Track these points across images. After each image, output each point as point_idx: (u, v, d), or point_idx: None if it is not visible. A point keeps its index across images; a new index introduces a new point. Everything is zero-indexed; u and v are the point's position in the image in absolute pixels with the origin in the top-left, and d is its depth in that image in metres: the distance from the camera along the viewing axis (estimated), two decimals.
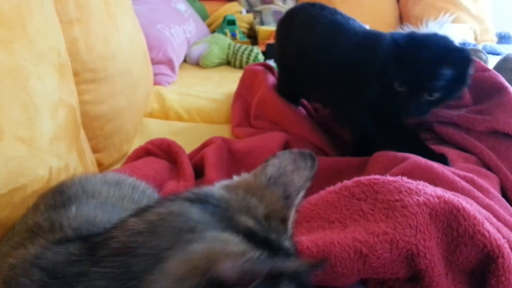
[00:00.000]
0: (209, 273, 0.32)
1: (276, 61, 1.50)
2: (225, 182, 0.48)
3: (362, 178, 0.66)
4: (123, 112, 1.20)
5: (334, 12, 1.17)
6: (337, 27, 1.11)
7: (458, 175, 0.80)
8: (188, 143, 1.14)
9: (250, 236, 0.38)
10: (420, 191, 0.61)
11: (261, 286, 0.31)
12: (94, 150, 1.08)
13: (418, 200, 0.59)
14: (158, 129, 1.38)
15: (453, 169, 0.83)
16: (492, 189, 0.80)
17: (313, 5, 1.21)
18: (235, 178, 0.49)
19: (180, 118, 1.50)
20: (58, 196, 0.55)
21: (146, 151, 1.05)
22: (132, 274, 0.35)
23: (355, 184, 0.65)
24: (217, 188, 0.46)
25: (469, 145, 0.97)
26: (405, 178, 0.64)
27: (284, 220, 0.44)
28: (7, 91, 0.57)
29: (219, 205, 0.42)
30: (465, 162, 0.92)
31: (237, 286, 0.31)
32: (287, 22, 1.30)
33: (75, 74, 0.97)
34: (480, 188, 0.79)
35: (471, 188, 0.77)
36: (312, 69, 1.15)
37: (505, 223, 0.69)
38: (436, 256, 0.56)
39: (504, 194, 0.89)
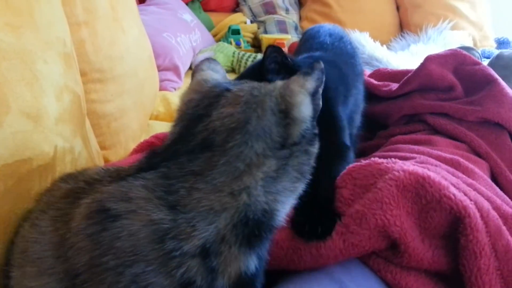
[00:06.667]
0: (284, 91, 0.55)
1: None
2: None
3: None
4: (129, 111, 1.25)
5: (337, 39, 1.09)
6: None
7: (444, 159, 0.83)
8: None
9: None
10: (389, 169, 0.65)
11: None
12: (101, 147, 1.13)
13: (385, 177, 0.64)
14: (163, 130, 1.42)
15: (439, 153, 0.86)
16: (477, 170, 0.83)
17: (322, 26, 1.16)
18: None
19: None
20: None
21: (150, 145, 1.09)
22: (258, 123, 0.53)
23: None
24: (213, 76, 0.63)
25: (459, 134, 0.99)
26: (376, 159, 0.69)
27: None
28: (14, 70, 0.61)
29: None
30: (455, 149, 0.95)
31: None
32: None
33: (83, 74, 1.02)
34: (465, 170, 0.82)
35: (454, 171, 0.80)
36: None
37: (488, 199, 0.71)
38: (407, 223, 0.60)
39: (495, 181, 0.91)
